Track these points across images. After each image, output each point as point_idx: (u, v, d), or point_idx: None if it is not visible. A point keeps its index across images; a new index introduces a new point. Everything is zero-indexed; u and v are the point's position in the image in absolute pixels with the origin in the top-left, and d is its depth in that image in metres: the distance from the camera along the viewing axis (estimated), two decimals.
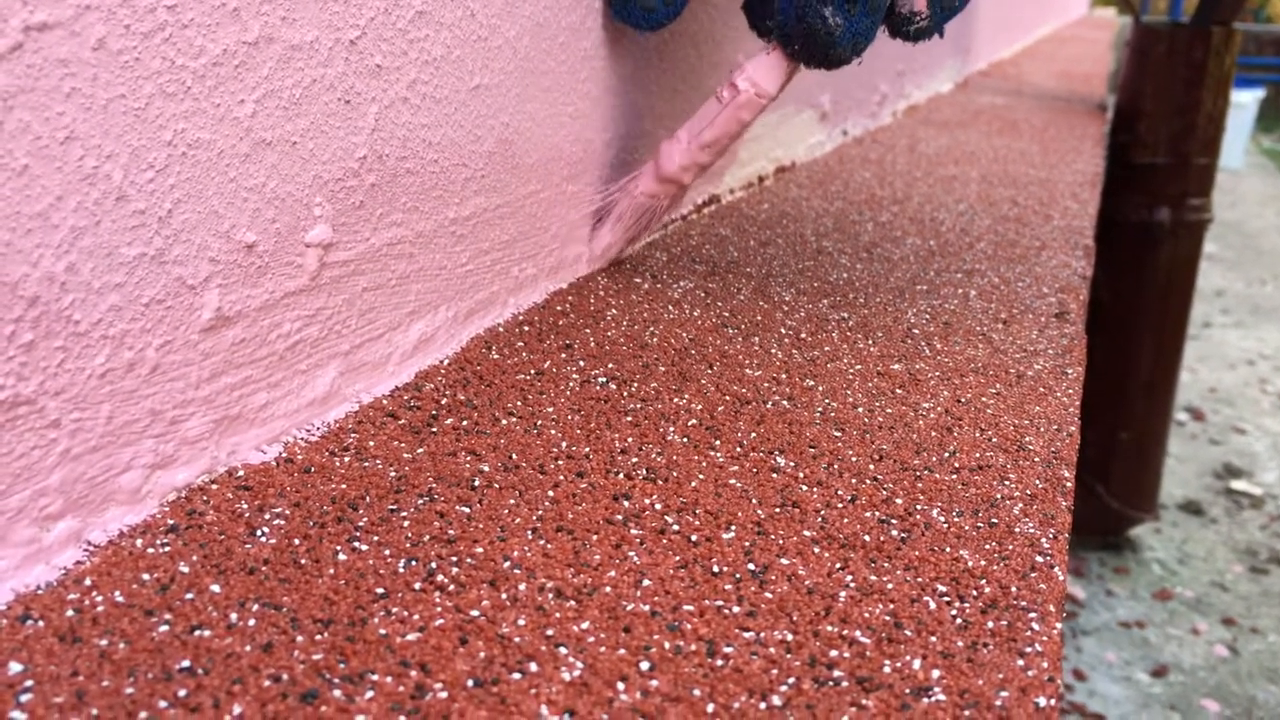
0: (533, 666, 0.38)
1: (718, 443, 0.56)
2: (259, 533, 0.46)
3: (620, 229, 0.82)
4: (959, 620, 0.42)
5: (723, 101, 0.74)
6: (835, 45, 0.69)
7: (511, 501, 0.49)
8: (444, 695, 0.37)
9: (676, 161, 0.77)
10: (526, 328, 0.70)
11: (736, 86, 0.73)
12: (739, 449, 0.56)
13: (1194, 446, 2.43)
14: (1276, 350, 3.06)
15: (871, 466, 0.55)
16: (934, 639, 0.41)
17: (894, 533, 0.48)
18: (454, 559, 0.45)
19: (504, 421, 0.57)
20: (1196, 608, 1.82)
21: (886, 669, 0.39)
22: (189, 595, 0.41)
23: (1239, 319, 3.34)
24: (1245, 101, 5.36)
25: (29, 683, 0.36)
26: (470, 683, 0.37)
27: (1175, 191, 1.76)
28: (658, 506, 0.50)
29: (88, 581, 0.42)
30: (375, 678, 0.37)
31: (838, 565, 0.45)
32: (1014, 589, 0.44)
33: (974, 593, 0.44)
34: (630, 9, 0.75)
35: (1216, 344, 3.10)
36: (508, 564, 0.44)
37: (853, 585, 0.44)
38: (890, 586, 0.44)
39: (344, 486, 0.50)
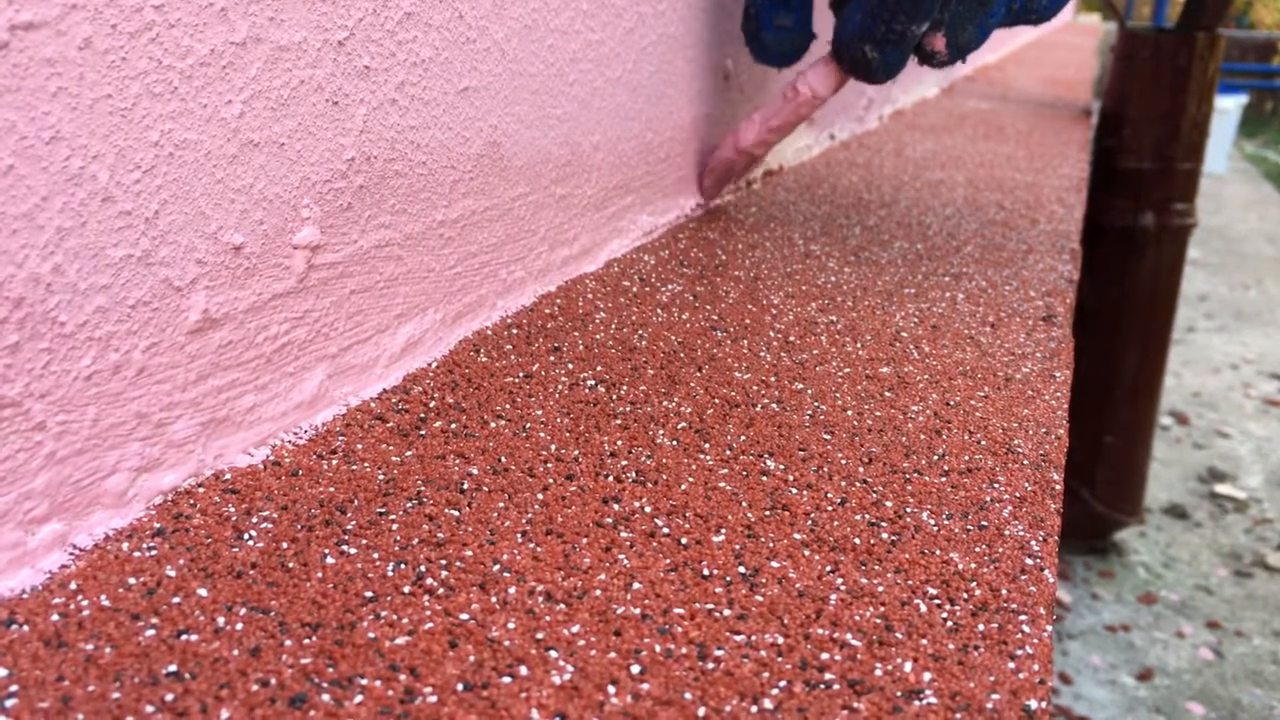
0: (523, 670, 0.38)
1: (707, 446, 0.56)
2: (246, 536, 0.45)
3: (711, 181, 1.02)
4: (949, 623, 0.42)
5: (787, 99, 0.92)
6: (873, 72, 0.86)
7: (501, 504, 0.49)
8: (433, 699, 0.36)
9: (750, 139, 0.95)
10: (515, 330, 0.70)
11: (798, 90, 0.91)
12: (728, 452, 0.56)
13: (1178, 450, 2.44)
14: (1260, 354, 3.07)
15: (861, 469, 0.55)
16: (925, 642, 0.41)
17: (884, 535, 0.48)
18: (443, 562, 0.44)
19: (493, 424, 0.57)
20: (1181, 611, 1.83)
21: (878, 672, 0.39)
22: (175, 599, 0.41)
23: (1223, 323, 3.36)
24: (1229, 107, 5.40)
25: (14, 687, 0.36)
26: (460, 686, 0.37)
27: (1160, 196, 1.77)
28: (647, 509, 0.49)
29: (73, 585, 0.41)
30: (364, 682, 0.37)
31: (828, 568, 0.45)
32: (1004, 591, 0.44)
33: (964, 595, 0.44)
34: (769, 56, 0.94)
35: (1200, 348, 3.12)
36: (497, 567, 0.44)
37: (843, 588, 0.44)
38: (881, 589, 0.44)
39: (332, 489, 0.49)
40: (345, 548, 0.45)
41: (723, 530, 0.48)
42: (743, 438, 0.57)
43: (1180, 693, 1.61)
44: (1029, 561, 0.47)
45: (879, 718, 0.36)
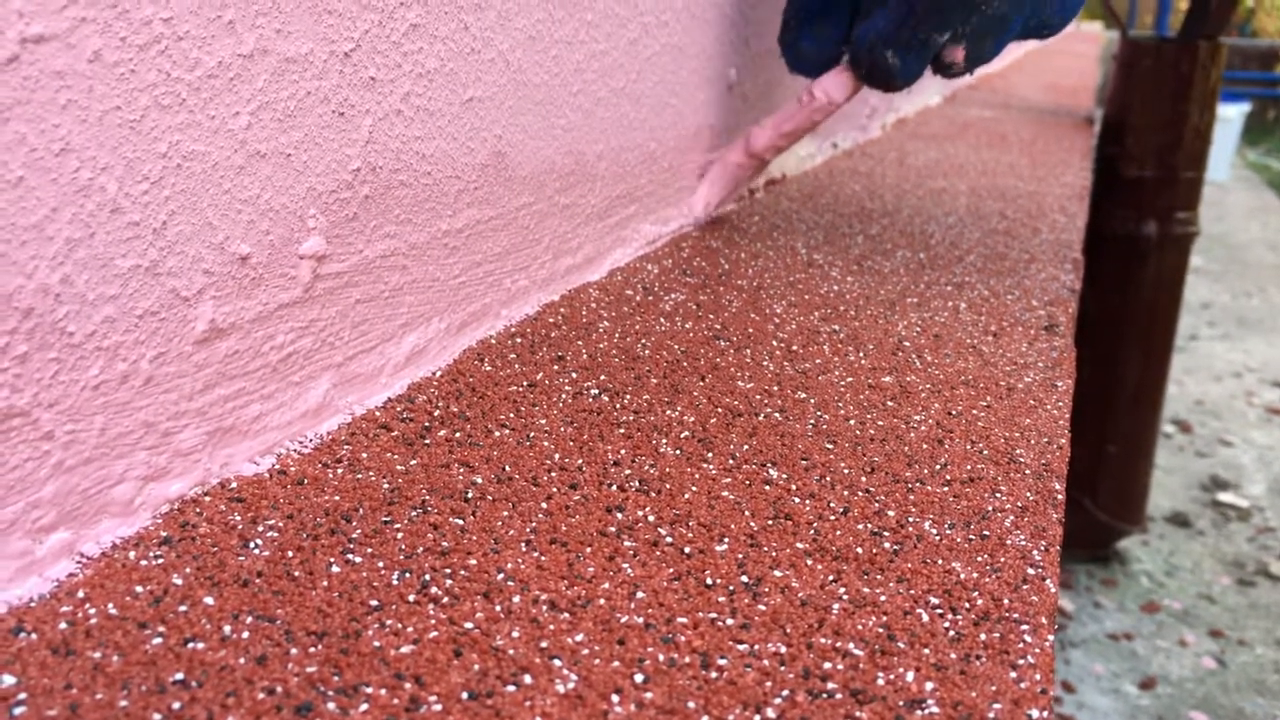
0: (527, 679, 0.38)
1: (710, 455, 0.56)
2: (252, 545, 0.46)
3: (715, 190, 1.02)
4: (952, 632, 0.42)
5: (802, 104, 0.94)
6: (893, 78, 0.88)
7: (505, 513, 0.49)
8: (438, 708, 0.37)
9: (761, 143, 0.96)
10: (519, 339, 0.70)
11: (813, 94, 0.93)
12: (731, 461, 0.56)
13: (1181, 459, 2.44)
14: (1263, 363, 3.07)
15: (863, 479, 0.55)
16: (927, 651, 0.41)
17: (886, 545, 0.48)
18: (447, 571, 0.45)
19: (497, 433, 0.57)
20: (1184, 620, 1.83)
21: (880, 681, 0.39)
22: (182, 607, 0.41)
23: (1225, 331, 3.36)
24: (1231, 115, 5.40)
25: (22, 695, 0.36)
26: (464, 695, 0.37)
27: (1162, 205, 1.77)
28: (651, 519, 0.50)
29: (81, 594, 0.42)
30: (369, 690, 0.37)
31: (830, 577, 0.46)
32: (1006, 601, 0.44)
33: (966, 605, 0.44)
34: (806, 65, 0.94)
35: (1203, 356, 3.12)
36: (501, 576, 0.44)
37: (845, 597, 0.44)
38: (883, 599, 0.44)
39: (337, 498, 0.50)
40: (350, 556, 0.45)
41: (726, 539, 0.48)
42: (745, 447, 0.57)
43: (1183, 701, 1.61)
44: (1031, 571, 0.47)
45: None
